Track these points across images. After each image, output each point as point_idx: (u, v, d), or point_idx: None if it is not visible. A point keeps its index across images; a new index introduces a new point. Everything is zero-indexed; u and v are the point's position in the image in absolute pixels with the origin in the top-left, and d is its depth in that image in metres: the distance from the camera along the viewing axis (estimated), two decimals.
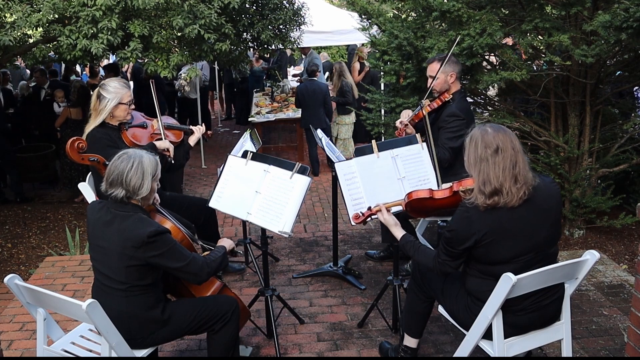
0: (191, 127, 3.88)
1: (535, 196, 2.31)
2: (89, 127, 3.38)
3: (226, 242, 2.80)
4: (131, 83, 10.42)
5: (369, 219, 2.82)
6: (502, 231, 2.28)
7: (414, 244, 2.59)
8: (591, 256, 2.44)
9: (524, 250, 2.32)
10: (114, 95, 3.33)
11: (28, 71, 10.88)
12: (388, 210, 2.73)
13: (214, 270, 2.58)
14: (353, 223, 2.86)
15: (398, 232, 2.67)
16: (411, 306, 2.82)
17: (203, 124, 4.12)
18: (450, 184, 2.56)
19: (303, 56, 10.46)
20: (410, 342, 2.87)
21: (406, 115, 3.75)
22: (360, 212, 2.82)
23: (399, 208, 2.76)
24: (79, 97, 7.25)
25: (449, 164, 3.58)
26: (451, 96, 3.62)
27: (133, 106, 3.49)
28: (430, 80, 3.65)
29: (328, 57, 12.46)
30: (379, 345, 3.17)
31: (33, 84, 8.88)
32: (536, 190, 2.31)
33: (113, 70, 8.00)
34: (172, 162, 3.62)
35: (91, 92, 7.80)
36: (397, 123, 3.71)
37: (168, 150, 3.59)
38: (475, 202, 2.29)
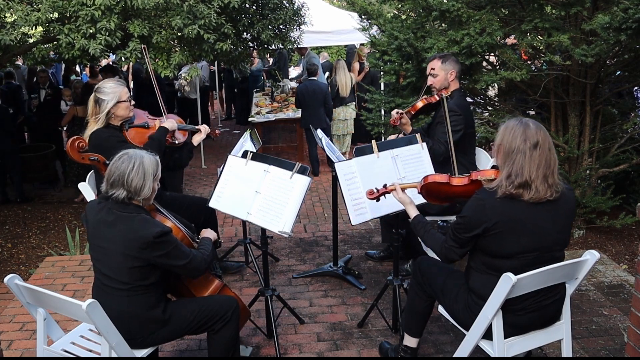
0: (198, 126, 3.86)
1: (557, 198, 2.32)
2: (89, 130, 3.35)
3: (210, 234, 2.83)
4: (131, 84, 10.46)
5: (383, 196, 2.82)
6: (513, 223, 2.28)
7: (425, 225, 2.60)
8: (591, 256, 2.44)
9: (531, 247, 2.32)
10: (112, 96, 3.31)
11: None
12: (403, 191, 2.73)
13: (209, 263, 2.64)
14: (367, 198, 2.84)
15: (412, 211, 2.68)
16: (412, 305, 2.82)
17: (205, 127, 4.06)
18: (469, 172, 2.57)
19: (302, 57, 10.44)
20: (410, 341, 2.87)
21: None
22: (375, 189, 2.81)
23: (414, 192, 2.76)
24: (84, 95, 7.30)
25: (443, 158, 3.59)
26: (449, 93, 3.65)
27: (133, 102, 3.47)
28: (430, 77, 3.67)
29: (328, 57, 12.46)
30: (379, 345, 3.17)
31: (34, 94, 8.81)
32: (560, 193, 2.33)
33: (111, 71, 7.99)
34: (177, 143, 3.63)
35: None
36: (393, 112, 3.72)
37: (174, 132, 3.60)
38: (498, 188, 2.29)
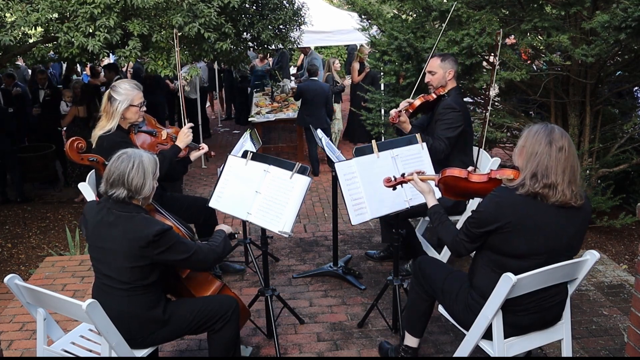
0: (199, 145, 3.85)
1: (580, 206, 2.32)
2: (100, 130, 3.31)
3: (224, 227, 2.83)
4: None
5: (400, 185, 2.82)
6: (530, 222, 2.27)
7: (441, 215, 2.59)
8: (591, 256, 2.44)
9: (540, 249, 2.31)
10: (124, 97, 3.29)
11: (30, 71, 10.87)
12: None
13: (219, 255, 2.61)
14: (384, 185, 2.81)
15: (431, 200, 2.68)
16: (412, 305, 2.82)
17: (205, 146, 3.96)
18: (489, 170, 2.56)
19: (304, 56, 10.49)
20: (411, 341, 2.86)
21: (405, 104, 3.77)
22: (393, 177, 2.80)
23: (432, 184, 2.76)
24: (82, 95, 7.31)
25: (445, 156, 3.59)
26: (446, 92, 3.66)
27: (144, 108, 3.45)
28: (428, 75, 3.70)
29: (321, 57, 12.51)
30: (379, 345, 3.17)
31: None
32: (583, 201, 2.33)
33: (113, 70, 8.01)
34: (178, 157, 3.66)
35: (101, 91, 7.85)
36: (392, 111, 3.73)
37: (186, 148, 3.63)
38: (521, 187, 2.28)
